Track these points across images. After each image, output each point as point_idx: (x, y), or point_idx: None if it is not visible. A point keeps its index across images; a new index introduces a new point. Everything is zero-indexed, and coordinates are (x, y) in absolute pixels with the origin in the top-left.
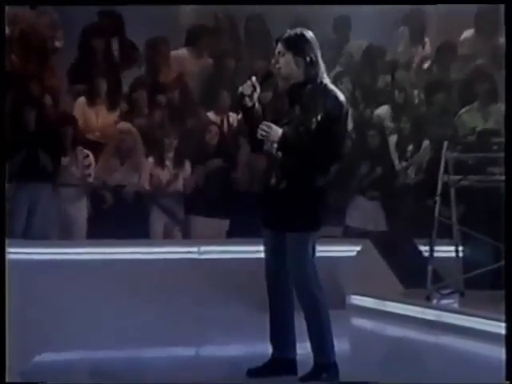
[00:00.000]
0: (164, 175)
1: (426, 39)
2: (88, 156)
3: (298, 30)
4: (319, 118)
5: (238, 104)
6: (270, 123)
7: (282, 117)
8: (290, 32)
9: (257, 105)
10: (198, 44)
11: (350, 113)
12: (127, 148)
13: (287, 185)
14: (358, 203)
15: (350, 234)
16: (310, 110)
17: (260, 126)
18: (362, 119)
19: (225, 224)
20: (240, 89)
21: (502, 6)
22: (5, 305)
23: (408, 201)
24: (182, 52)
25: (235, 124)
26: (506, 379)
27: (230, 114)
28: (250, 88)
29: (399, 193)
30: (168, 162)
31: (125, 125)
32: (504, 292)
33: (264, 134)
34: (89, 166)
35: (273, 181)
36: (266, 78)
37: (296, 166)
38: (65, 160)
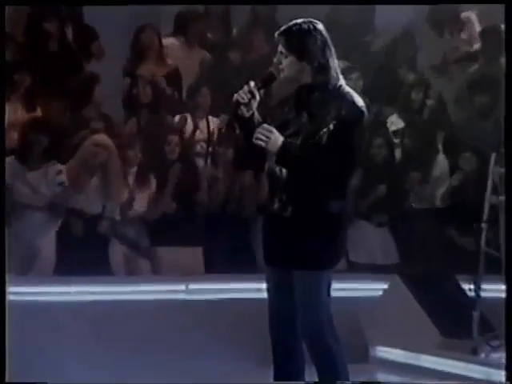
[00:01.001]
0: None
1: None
2: (61, 172)
3: (303, 25)
4: (332, 127)
5: (233, 114)
6: (271, 127)
7: (287, 127)
8: (291, 27)
9: (256, 115)
10: (186, 32)
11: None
12: (99, 164)
13: (294, 211)
14: (360, 232)
15: (354, 270)
16: (321, 118)
17: (258, 128)
18: (369, 124)
19: (200, 253)
20: (235, 96)
21: None
22: (5, 305)
23: (434, 227)
24: (172, 41)
25: (215, 131)
26: (506, 380)
27: (211, 118)
28: (248, 95)
29: (420, 217)
30: (130, 179)
31: (101, 137)
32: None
33: (263, 139)
34: (61, 184)
35: (275, 206)
36: (268, 82)
37: (304, 188)
38: (32, 175)
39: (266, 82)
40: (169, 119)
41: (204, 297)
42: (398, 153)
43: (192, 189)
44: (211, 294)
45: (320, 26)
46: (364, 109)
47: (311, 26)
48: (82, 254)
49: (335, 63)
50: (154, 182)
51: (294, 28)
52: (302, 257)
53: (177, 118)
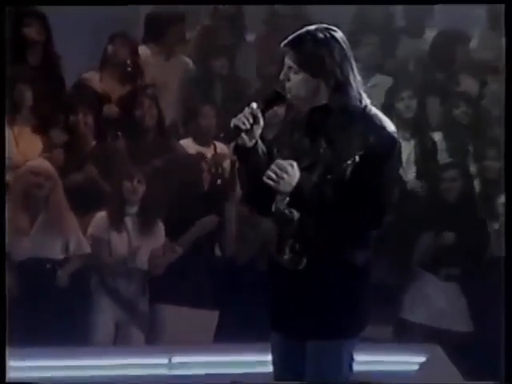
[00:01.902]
0: (122, 242)
1: None
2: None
3: (317, 33)
4: (357, 158)
5: (233, 144)
6: (285, 164)
7: (300, 158)
8: (302, 36)
9: (260, 144)
10: (165, 38)
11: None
12: (41, 198)
13: (309, 263)
14: (423, 285)
15: (407, 336)
16: (343, 148)
17: (271, 166)
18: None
19: (213, 318)
20: (234, 121)
21: None
22: (5, 303)
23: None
24: (143, 51)
25: (227, 162)
26: (506, 381)
27: (217, 143)
28: (250, 119)
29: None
30: (129, 222)
31: (39, 162)
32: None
33: (275, 178)
34: None
35: (286, 257)
36: (273, 103)
37: (323, 234)
38: None
39: (271, 104)
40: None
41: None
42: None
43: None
44: (202, 369)
45: (338, 35)
46: (396, 136)
47: (328, 35)
48: (52, 316)
49: (357, 80)
50: (162, 229)
51: (306, 37)
52: (319, 322)
53: (183, 142)
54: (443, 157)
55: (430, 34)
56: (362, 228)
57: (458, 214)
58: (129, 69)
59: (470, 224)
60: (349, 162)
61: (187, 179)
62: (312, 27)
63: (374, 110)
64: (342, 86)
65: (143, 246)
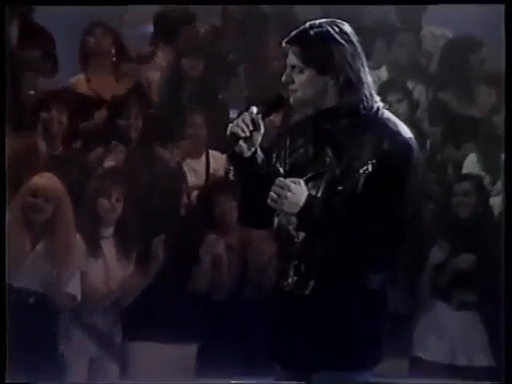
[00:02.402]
0: (98, 270)
1: None
2: None
3: (323, 26)
4: (370, 168)
5: (229, 152)
6: (287, 182)
7: (304, 169)
8: (307, 31)
9: (259, 153)
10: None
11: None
12: (42, 222)
13: (316, 288)
14: (434, 316)
15: (422, 373)
16: (353, 156)
17: (273, 186)
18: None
19: (192, 353)
20: (231, 128)
21: None
22: (5, 303)
23: None
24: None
25: (221, 171)
26: (506, 379)
27: (211, 152)
28: (249, 126)
29: None
30: (105, 246)
31: (43, 180)
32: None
33: (277, 199)
34: None
35: (290, 280)
36: (275, 108)
37: (331, 255)
38: None
39: (273, 108)
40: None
41: None
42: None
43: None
44: None
45: (347, 28)
46: (413, 142)
47: (335, 28)
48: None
49: (369, 79)
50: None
51: (311, 31)
52: (327, 353)
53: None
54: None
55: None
56: (378, 248)
57: (471, 233)
58: (113, 58)
59: (486, 244)
60: (360, 171)
61: (166, 200)
62: (317, 21)
63: (388, 114)
64: (353, 85)
65: (119, 273)
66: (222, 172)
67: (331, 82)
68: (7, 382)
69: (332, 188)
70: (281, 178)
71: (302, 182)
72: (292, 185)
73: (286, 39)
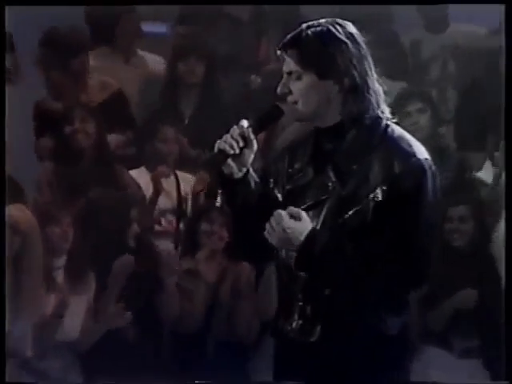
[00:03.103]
0: (50, 305)
1: None
2: None
3: (324, 27)
4: (379, 195)
5: (214, 172)
6: (284, 215)
7: (302, 195)
8: (305, 32)
9: (252, 174)
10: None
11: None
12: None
13: (325, 333)
14: (432, 365)
15: None
16: (360, 181)
17: (271, 218)
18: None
19: None
20: (219, 144)
21: None
22: (5, 304)
23: None
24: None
25: (190, 195)
26: (506, 379)
27: (180, 173)
28: (239, 142)
29: None
30: (58, 278)
31: (11, 211)
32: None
33: (272, 233)
34: None
35: (294, 324)
36: (270, 122)
37: (342, 295)
38: None
39: (267, 122)
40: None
41: None
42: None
43: (152, 295)
44: None
45: (351, 28)
46: (429, 164)
47: (337, 27)
48: None
49: (377, 86)
50: (93, 283)
51: (308, 31)
52: None
53: (134, 172)
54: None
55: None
56: (395, 287)
57: (470, 267)
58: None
59: (485, 280)
60: (370, 196)
61: (131, 227)
62: (315, 21)
63: (399, 130)
64: (358, 90)
65: (74, 308)
66: (190, 196)
67: (335, 88)
68: (7, 381)
69: (336, 217)
70: (279, 211)
71: (303, 214)
72: (291, 220)
73: (282, 42)
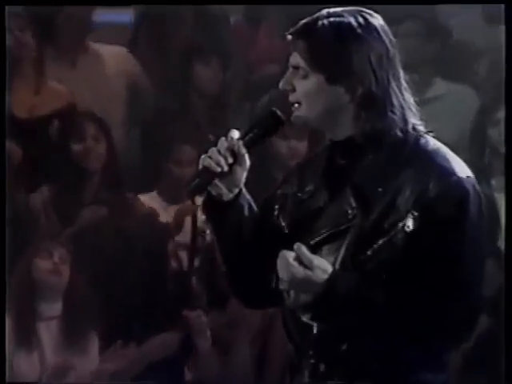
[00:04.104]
0: (31, 367)
1: None
2: None
3: (344, 17)
4: (410, 224)
5: (198, 196)
6: (290, 258)
7: (316, 226)
8: (319, 19)
9: (245, 196)
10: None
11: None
12: None
13: None
14: None
15: None
16: (386, 207)
17: (279, 259)
18: None
19: None
20: (203, 160)
21: None
22: (5, 304)
23: None
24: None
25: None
26: (506, 379)
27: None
28: (227, 158)
29: None
30: (45, 332)
31: None
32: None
33: (284, 277)
34: None
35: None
36: (267, 132)
37: (361, 352)
38: None
39: (262, 133)
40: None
41: None
42: None
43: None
44: None
45: (378, 22)
46: (472, 184)
47: (360, 20)
48: None
49: (406, 96)
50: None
51: (325, 21)
52: None
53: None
54: None
55: None
56: (435, 341)
57: None
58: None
59: None
60: (399, 226)
61: (142, 263)
62: (338, 9)
63: (434, 144)
64: (376, 102)
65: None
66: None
67: (345, 97)
68: (7, 381)
69: (358, 253)
70: (285, 254)
71: (317, 261)
72: (290, 258)
73: (291, 30)
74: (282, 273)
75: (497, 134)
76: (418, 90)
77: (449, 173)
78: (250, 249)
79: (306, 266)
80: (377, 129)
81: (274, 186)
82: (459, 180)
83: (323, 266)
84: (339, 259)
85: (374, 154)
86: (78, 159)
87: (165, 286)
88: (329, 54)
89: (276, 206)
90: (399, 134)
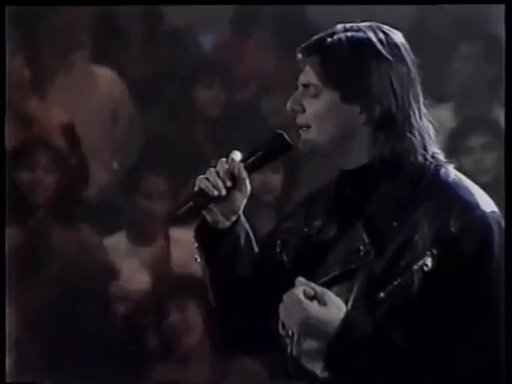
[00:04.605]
0: None
1: None
2: None
3: (362, 31)
4: (429, 263)
5: (197, 221)
6: (300, 294)
7: (321, 262)
8: (337, 34)
9: (243, 224)
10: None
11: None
12: None
13: None
14: None
15: None
16: (402, 244)
17: (287, 296)
18: None
19: None
20: (199, 181)
21: None
22: (5, 305)
23: None
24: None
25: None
26: (506, 380)
27: (173, 232)
28: (226, 181)
29: None
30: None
31: None
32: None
33: (288, 322)
34: None
35: None
36: (271, 155)
37: None
38: None
39: (267, 157)
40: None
41: None
42: None
43: None
44: None
45: (399, 39)
46: (497, 219)
47: (380, 36)
48: None
49: (425, 122)
50: None
51: (342, 36)
52: None
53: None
54: None
55: None
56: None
57: None
58: None
59: None
60: (414, 267)
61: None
62: (356, 25)
63: (456, 175)
64: (395, 124)
65: None
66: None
67: (361, 118)
68: (7, 382)
69: (372, 294)
70: (295, 292)
71: (329, 296)
72: (301, 297)
73: (304, 44)
74: (291, 313)
75: None
76: None
77: (472, 207)
78: (246, 285)
79: (319, 301)
80: (396, 152)
81: (278, 220)
82: (483, 215)
83: (336, 301)
84: (350, 302)
85: (390, 183)
86: (26, 189)
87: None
88: (345, 69)
89: (278, 242)
90: (420, 158)
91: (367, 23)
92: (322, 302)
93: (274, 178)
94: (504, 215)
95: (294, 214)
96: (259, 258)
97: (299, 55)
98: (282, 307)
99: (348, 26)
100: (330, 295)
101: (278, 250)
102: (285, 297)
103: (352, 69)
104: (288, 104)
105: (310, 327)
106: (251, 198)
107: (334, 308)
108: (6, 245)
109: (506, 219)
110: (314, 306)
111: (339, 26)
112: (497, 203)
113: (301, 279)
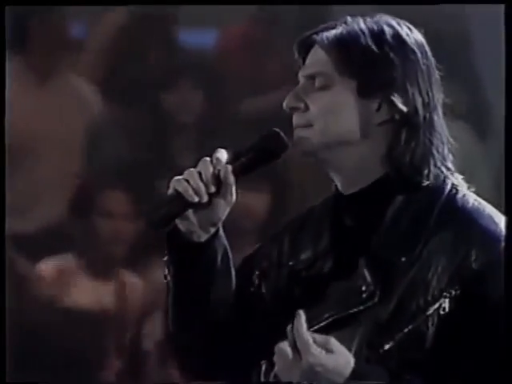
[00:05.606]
0: None
1: None
2: None
3: (387, 26)
4: (446, 306)
5: (168, 232)
6: (310, 339)
7: (316, 305)
8: (353, 22)
9: (222, 240)
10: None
11: None
12: None
13: None
14: None
15: None
16: (414, 283)
17: (276, 355)
18: None
19: None
20: (175, 183)
21: None
22: (5, 306)
23: None
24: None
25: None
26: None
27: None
28: (208, 185)
29: None
30: None
31: None
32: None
33: (286, 366)
34: None
35: None
36: (264, 157)
37: None
38: None
39: (260, 157)
40: None
41: None
42: None
43: None
44: None
45: (417, 36)
46: None
47: (406, 30)
48: None
49: (445, 131)
50: None
51: (361, 24)
52: None
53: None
54: None
55: None
56: None
57: None
58: None
59: None
60: (429, 311)
61: None
62: (372, 19)
63: (475, 200)
64: (418, 127)
65: None
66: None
67: (376, 117)
68: (7, 382)
69: (377, 344)
70: (308, 336)
71: (336, 342)
72: (321, 352)
73: (307, 33)
74: (294, 358)
75: None
76: None
77: (496, 238)
78: (216, 317)
79: (326, 350)
80: (415, 165)
81: (255, 244)
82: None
83: (342, 349)
84: (352, 351)
85: (401, 210)
86: None
87: None
88: (366, 56)
89: (256, 272)
90: (437, 170)
91: (381, 16)
92: (329, 350)
93: (258, 199)
94: (504, 215)
95: (276, 239)
96: (235, 286)
97: (302, 46)
98: (280, 350)
99: (362, 21)
100: (335, 342)
101: (256, 282)
102: (289, 331)
103: (374, 56)
104: (286, 101)
105: (315, 376)
106: (228, 221)
107: (342, 356)
108: None
109: (506, 219)
110: (321, 352)
111: (357, 22)
112: (497, 203)
113: (302, 314)
